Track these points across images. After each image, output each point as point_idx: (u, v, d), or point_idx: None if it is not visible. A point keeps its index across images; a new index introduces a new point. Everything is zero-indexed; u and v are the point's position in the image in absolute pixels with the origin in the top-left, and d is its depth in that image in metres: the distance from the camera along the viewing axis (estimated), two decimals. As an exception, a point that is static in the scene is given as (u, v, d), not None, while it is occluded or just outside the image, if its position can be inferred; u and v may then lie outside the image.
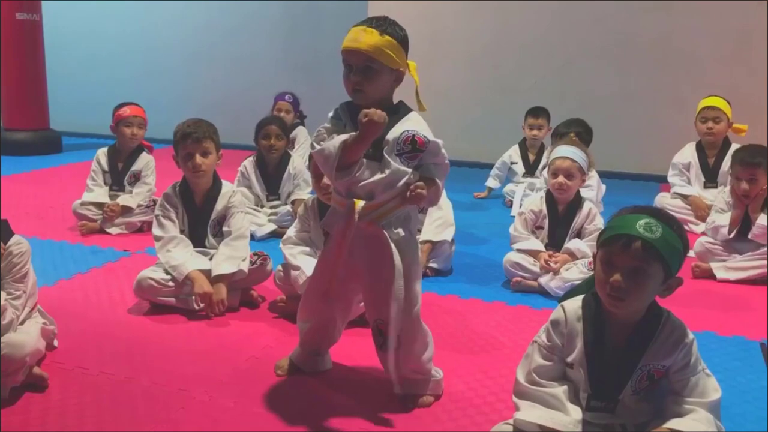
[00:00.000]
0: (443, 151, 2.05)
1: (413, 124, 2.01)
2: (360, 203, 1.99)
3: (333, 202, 2.13)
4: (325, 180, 2.61)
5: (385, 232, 2.02)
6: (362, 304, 2.30)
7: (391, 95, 2.07)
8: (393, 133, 1.98)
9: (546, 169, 3.64)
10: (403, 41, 2.01)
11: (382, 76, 1.98)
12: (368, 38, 1.95)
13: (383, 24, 1.98)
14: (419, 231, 3.37)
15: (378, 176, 1.97)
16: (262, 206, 4.29)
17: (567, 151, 3.33)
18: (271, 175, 4.29)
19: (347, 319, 2.35)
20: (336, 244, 2.07)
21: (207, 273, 2.91)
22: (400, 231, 2.05)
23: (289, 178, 4.28)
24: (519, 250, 3.33)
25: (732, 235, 3.55)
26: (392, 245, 2.02)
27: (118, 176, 4.26)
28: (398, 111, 2.05)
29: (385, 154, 1.97)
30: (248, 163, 4.32)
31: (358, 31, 1.98)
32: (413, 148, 1.98)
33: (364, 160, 1.98)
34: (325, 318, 2.26)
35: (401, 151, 1.97)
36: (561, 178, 3.25)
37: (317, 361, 2.37)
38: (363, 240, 2.04)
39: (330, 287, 2.13)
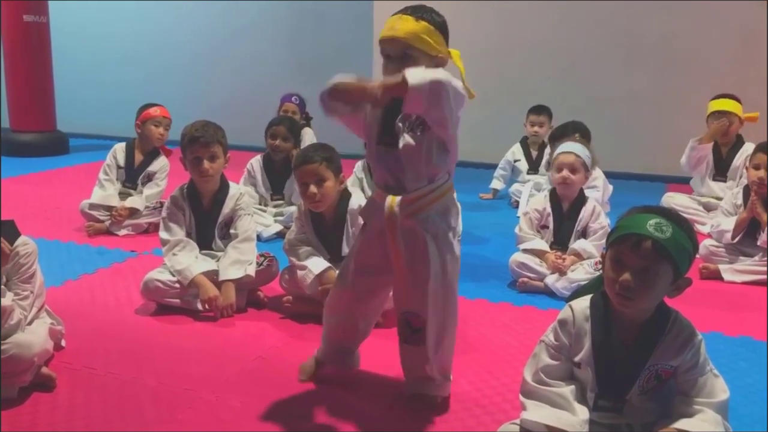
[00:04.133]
0: (450, 86, 1.83)
1: None
2: (396, 199, 1.97)
3: (373, 195, 2.11)
4: None
5: (423, 226, 1.98)
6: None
7: None
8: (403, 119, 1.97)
9: (550, 165, 3.63)
10: (441, 27, 1.97)
11: (420, 64, 1.90)
12: (404, 25, 1.92)
13: (419, 10, 1.95)
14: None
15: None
16: (266, 206, 4.29)
17: (571, 146, 3.35)
18: (277, 175, 4.29)
19: (378, 314, 2.31)
20: (391, 246, 2.01)
21: (212, 274, 2.91)
22: (439, 224, 2.01)
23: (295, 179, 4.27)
24: (525, 251, 3.33)
25: (736, 240, 3.53)
26: (429, 240, 1.98)
27: (133, 174, 4.27)
28: None
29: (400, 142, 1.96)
30: (255, 162, 4.33)
31: (394, 19, 1.95)
32: (418, 116, 1.93)
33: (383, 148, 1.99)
34: (353, 313, 2.21)
35: (412, 126, 1.95)
36: (565, 172, 3.26)
37: (345, 358, 2.31)
38: (399, 234, 1.99)
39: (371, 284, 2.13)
